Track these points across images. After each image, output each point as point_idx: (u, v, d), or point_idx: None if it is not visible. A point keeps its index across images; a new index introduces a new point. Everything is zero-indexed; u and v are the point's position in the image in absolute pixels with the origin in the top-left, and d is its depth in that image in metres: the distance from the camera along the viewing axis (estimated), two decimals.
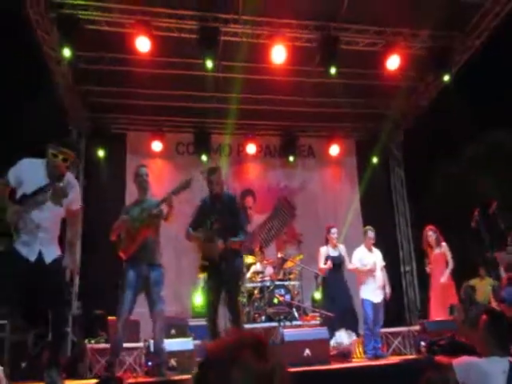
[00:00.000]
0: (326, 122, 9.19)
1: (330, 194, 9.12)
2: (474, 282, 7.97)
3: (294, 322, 6.21)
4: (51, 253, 3.30)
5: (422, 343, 5.80)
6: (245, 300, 6.25)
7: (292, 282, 6.77)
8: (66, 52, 6.13)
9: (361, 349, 6.62)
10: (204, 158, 8.65)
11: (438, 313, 6.03)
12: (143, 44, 6.41)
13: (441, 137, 8.93)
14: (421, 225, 8.02)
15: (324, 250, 6.23)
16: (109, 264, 5.17)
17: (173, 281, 7.70)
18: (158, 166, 8.68)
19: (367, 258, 6.15)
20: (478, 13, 6.92)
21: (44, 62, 6.74)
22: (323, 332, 5.56)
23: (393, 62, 7.13)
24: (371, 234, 6.21)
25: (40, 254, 3.22)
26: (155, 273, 4.36)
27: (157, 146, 8.60)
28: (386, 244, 6.67)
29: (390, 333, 6.89)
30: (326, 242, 6.30)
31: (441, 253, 6.23)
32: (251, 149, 8.93)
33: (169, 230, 8.04)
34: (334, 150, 9.28)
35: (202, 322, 6.10)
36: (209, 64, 6.48)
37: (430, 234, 6.31)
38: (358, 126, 9.41)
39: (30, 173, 3.34)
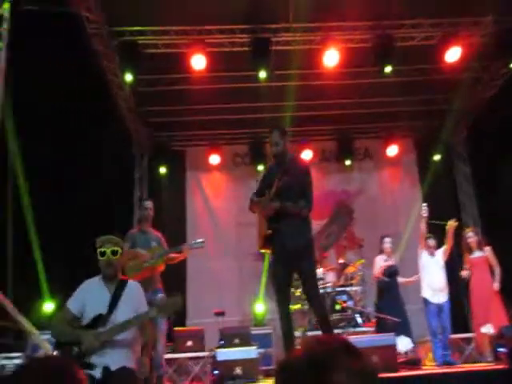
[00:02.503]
0: (383, 123, 8.99)
1: (389, 196, 8.90)
2: None
3: (358, 329, 6.12)
4: None
5: (502, 350, 5.48)
6: (306, 307, 6.27)
7: (354, 288, 6.68)
8: (128, 77, 6.52)
9: (430, 356, 6.40)
10: (260, 167, 8.73)
11: (480, 320, 5.70)
12: (198, 61, 6.66)
13: (510, 128, 8.35)
14: (490, 225, 7.57)
15: (379, 259, 6.23)
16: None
17: (235, 290, 7.94)
18: (216, 178, 8.97)
19: (427, 263, 6.08)
20: None
21: (108, 89, 7.22)
22: (390, 338, 5.44)
23: (452, 54, 6.80)
24: (432, 242, 6.08)
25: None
26: (158, 296, 4.66)
27: (214, 159, 8.83)
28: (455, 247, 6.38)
29: (462, 339, 6.57)
30: (381, 251, 6.29)
31: (482, 257, 5.86)
32: (307, 155, 8.92)
33: (229, 239, 8.36)
34: (392, 150, 9.03)
35: (265, 330, 6.24)
36: (262, 74, 6.60)
37: (470, 235, 5.97)
38: (417, 124, 9.08)
39: (90, 294, 3.06)
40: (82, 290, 3.11)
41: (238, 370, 4.76)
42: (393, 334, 5.53)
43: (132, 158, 8.81)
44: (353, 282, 6.78)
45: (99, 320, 2.92)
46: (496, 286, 5.79)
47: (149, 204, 5.20)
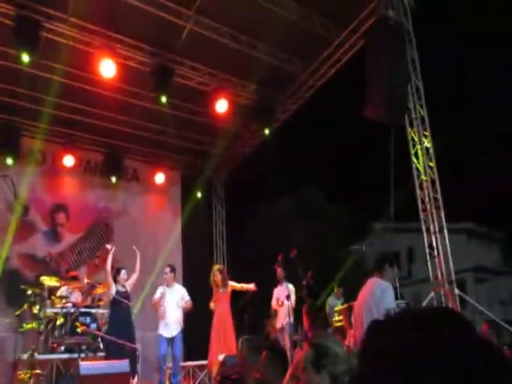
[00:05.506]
0: (153, 149, 9.04)
1: (151, 221, 8.90)
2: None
3: (99, 354, 5.59)
4: None
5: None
6: (42, 327, 5.37)
7: (100, 310, 6.16)
8: None
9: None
10: (9, 161, 7.49)
11: (219, 348, 5.99)
12: None
13: (260, 184, 9.73)
14: (236, 262, 8.35)
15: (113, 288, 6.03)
16: None
17: None
18: None
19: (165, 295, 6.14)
20: (296, 82, 7.68)
21: None
22: (125, 365, 5.22)
23: (221, 106, 7.37)
24: (166, 269, 6.22)
25: None
26: None
27: None
28: (203, 279, 6.70)
29: (198, 366, 6.84)
30: (117, 281, 6.04)
31: (225, 292, 6.32)
32: (69, 161, 8.15)
33: None
34: (160, 178, 9.16)
35: None
36: (25, 58, 5.71)
37: (217, 273, 6.38)
38: (185, 158, 9.49)
39: None
40: None
41: None
42: (127, 361, 5.34)
43: None
44: (100, 303, 6.25)
45: None
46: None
47: None
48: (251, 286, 6.20)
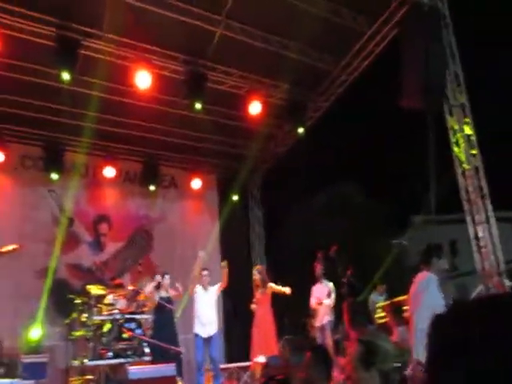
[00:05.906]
0: (189, 155, 9.18)
1: (189, 226, 9.03)
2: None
3: (145, 358, 5.73)
4: None
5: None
6: (90, 334, 5.54)
7: (145, 316, 6.28)
8: None
9: None
10: (54, 176, 7.82)
11: (260, 349, 6.04)
12: None
13: (296, 183, 9.64)
14: (275, 265, 8.30)
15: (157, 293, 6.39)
16: None
17: (9, 310, 6.54)
18: None
19: (201, 297, 6.36)
20: (328, 78, 7.67)
21: None
22: (171, 369, 5.34)
23: (254, 107, 7.42)
24: (205, 272, 6.41)
25: None
26: None
27: None
28: (241, 282, 6.72)
29: (240, 367, 6.86)
30: (160, 286, 6.41)
31: (265, 293, 6.32)
32: (109, 172, 8.41)
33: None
34: (196, 183, 9.28)
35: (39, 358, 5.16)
36: (65, 76, 5.93)
37: (256, 273, 6.40)
38: (220, 162, 9.60)
39: None
40: None
41: None
42: (174, 364, 5.45)
43: None
44: (144, 309, 6.39)
45: None
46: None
47: None
48: (286, 290, 6.14)
